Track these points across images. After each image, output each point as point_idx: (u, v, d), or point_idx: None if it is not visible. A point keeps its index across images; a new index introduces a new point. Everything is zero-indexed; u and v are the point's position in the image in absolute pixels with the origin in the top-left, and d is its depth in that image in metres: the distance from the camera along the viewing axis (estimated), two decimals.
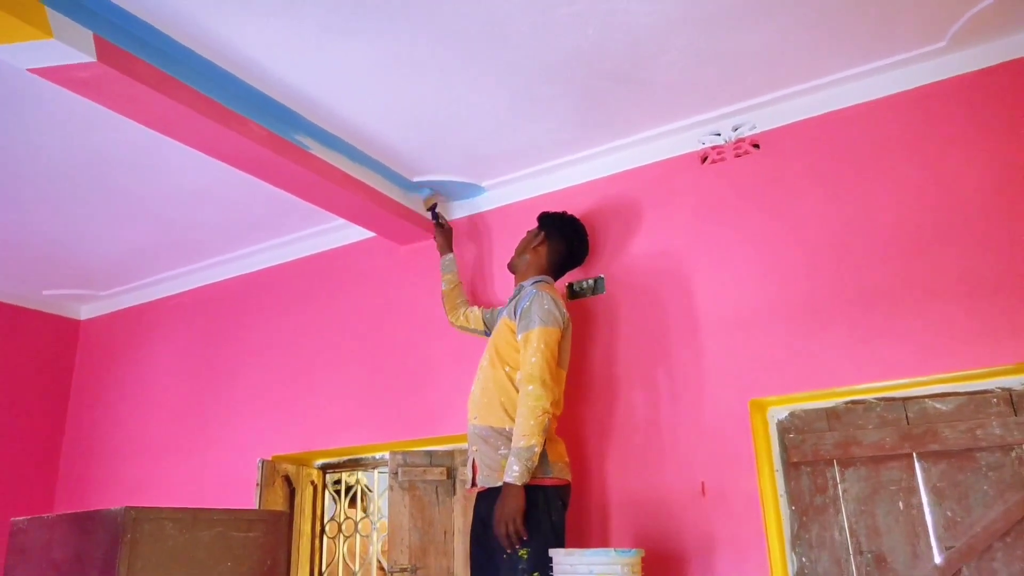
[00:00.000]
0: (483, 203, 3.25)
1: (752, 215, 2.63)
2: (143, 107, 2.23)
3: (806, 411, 2.46)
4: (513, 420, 2.32)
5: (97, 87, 2.12)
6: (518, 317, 2.43)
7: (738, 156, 2.72)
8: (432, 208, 3.20)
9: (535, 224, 2.76)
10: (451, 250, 3.08)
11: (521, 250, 2.71)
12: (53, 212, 3.29)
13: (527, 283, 2.59)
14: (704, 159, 2.78)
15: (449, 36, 2.24)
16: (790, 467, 2.44)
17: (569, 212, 2.76)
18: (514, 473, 2.18)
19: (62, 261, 3.84)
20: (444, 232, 3.12)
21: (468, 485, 2.46)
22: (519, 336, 2.40)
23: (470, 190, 3.20)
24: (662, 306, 2.70)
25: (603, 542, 2.56)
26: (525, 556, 2.14)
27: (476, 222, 3.27)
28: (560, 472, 2.31)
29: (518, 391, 2.34)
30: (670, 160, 2.83)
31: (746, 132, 2.71)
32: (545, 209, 2.79)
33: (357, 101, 2.56)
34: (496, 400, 2.39)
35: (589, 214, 2.93)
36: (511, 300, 2.60)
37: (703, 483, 2.45)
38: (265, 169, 2.68)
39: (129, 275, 4.08)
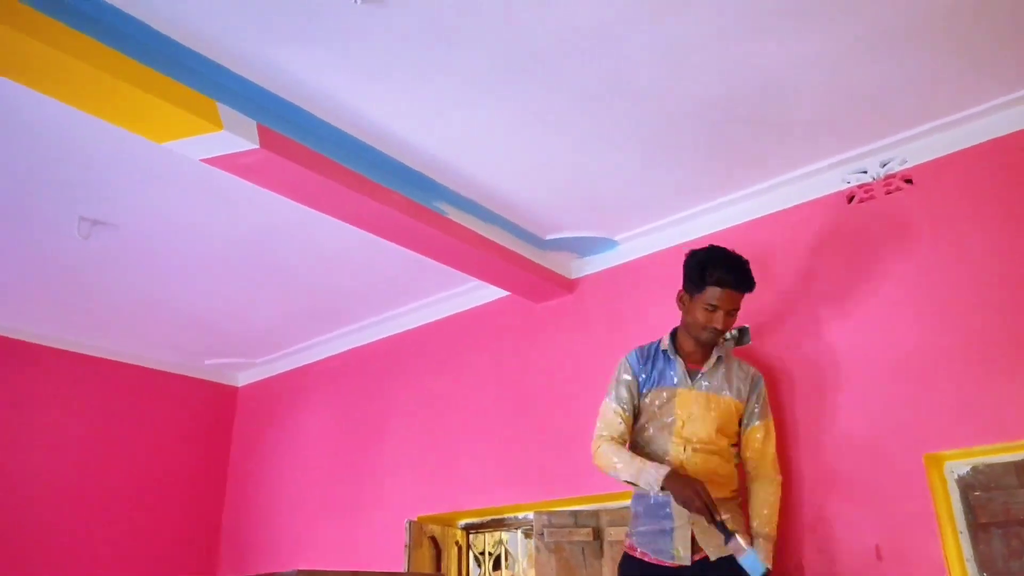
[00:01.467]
0: (617, 257, 3.22)
1: (911, 254, 2.46)
2: (298, 186, 2.39)
3: (990, 465, 2.23)
4: (729, 490, 2.31)
5: (259, 171, 2.30)
6: (756, 401, 2.38)
7: (888, 193, 2.57)
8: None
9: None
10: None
11: (734, 313, 2.32)
12: (214, 286, 3.56)
13: (729, 349, 2.51)
14: (851, 198, 2.64)
15: (577, 94, 2.27)
16: (978, 528, 2.20)
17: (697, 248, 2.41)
18: (771, 558, 2.22)
19: (222, 331, 4.13)
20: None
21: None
22: (758, 422, 2.37)
23: (603, 244, 3.20)
24: (817, 355, 2.55)
25: None
26: None
27: (610, 276, 3.24)
28: None
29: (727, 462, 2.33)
30: (814, 202, 2.72)
31: (896, 167, 2.56)
32: (682, 259, 2.68)
33: (490, 164, 2.64)
34: (716, 475, 2.28)
35: None
36: (713, 364, 2.34)
37: (878, 546, 2.26)
38: (405, 235, 2.79)
39: (281, 342, 4.33)
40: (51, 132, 2.38)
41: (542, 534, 2.94)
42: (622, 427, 2.34)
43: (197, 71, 2.08)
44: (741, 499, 2.34)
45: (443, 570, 3.28)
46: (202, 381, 4.70)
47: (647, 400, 2.36)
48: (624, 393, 2.38)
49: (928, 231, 2.45)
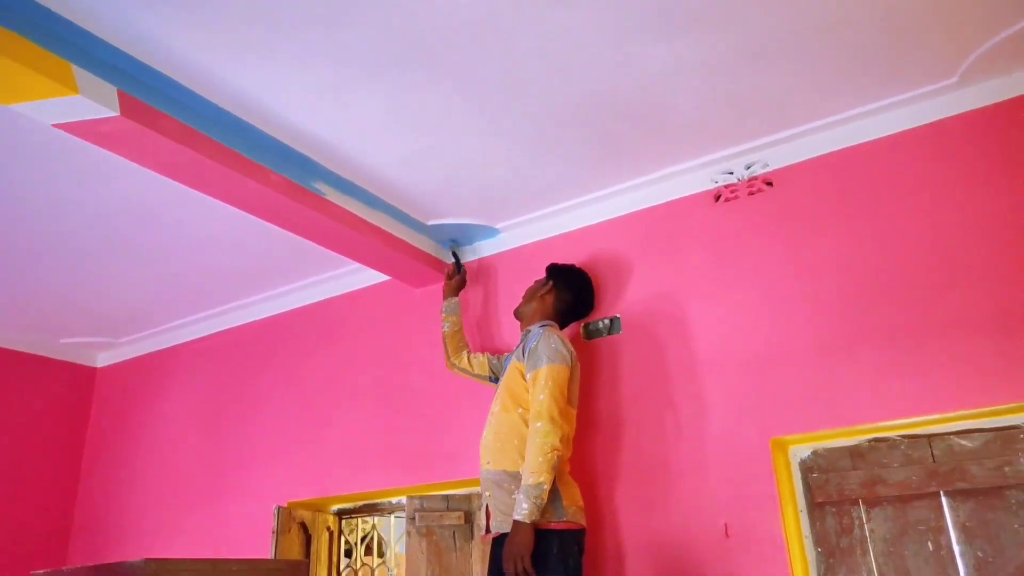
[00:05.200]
0: (497, 245, 3.26)
1: (768, 252, 2.63)
2: (164, 159, 2.27)
3: (829, 450, 2.43)
4: (512, 461, 2.34)
5: (120, 140, 2.17)
6: (526, 357, 2.46)
7: (751, 194, 2.73)
8: (454, 252, 3.25)
9: (545, 270, 2.83)
10: (457, 295, 3.11)
11: (528, 298, 2.77)
12: (73, 262, 3.33)
13: (534, 327, 2.65)
14: (717, 197, 2.79)
15: (464, 84, 2.27)
16: (815, 507, 2.40)
17: (577, 264, 2.84)
18: (523, 511, 2.17)
19: (80, 310, 3.88)
20: (460, 279, 3.15)
21: (483, 531, 2.44)
22: (528, 375, 2.43)
23: (484, 232, 3.22)
24: (680, 345, 2.69)
25: None
26: None
27: (489, 264, 3.28)
28: (574, 516, 2.30)
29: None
30: (684, 199, 2.85)
31: (759, 170, 2.72)
32: (561, 249, 2.80)
33: (374, 148, 2.60)
34: (510, 443, 2.40)
35: (604, 254, 2.94)
36: (519, 345, 2.63)
37: (726, 524, 2.41)
38: (282, 216, 2.71)
39: (146, 322, 4.10)
40: None
41: (413, 518, 2.95)
42: None
43: (51, 30, 1.92)
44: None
45: (312, 556, 3.23)
46: (57, 361, 4.39)
47: None
48: None
49: (784, 231, 2.63)
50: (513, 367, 2.53)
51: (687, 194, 2.84)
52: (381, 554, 3.49)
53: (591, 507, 2.60)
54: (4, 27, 1.84)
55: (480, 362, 2.93)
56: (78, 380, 4.47)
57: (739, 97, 2.42)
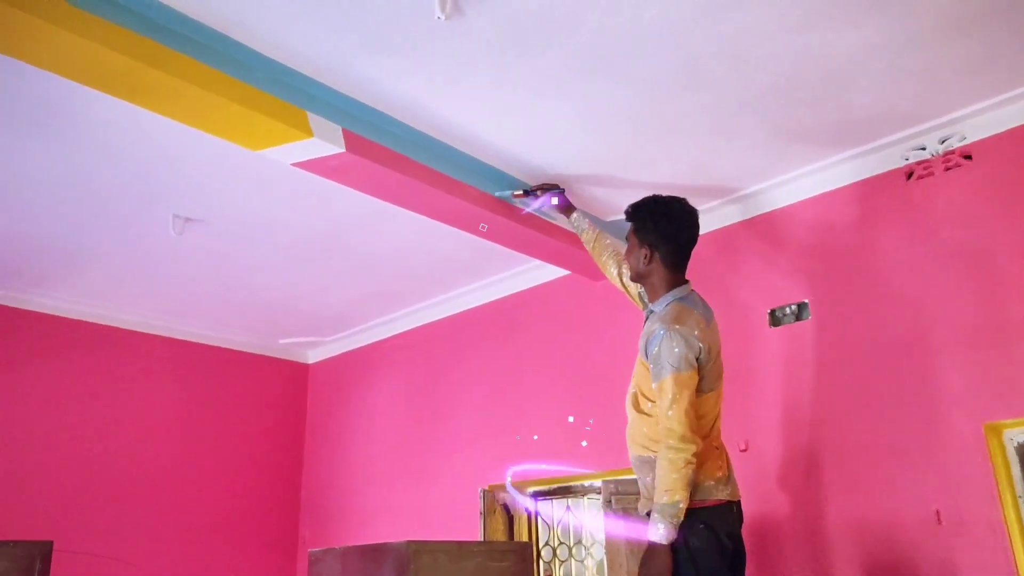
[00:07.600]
0: None
1: (970, 229, 2.53)
2: (379, 184, 2.56)
3: None
4: (650, 448, 2.20)
5: (344, 172, 2.47)
6: (649, 360, 2.21)
7: (948, 169, 2.63)
8: (526, 193, 2.88)
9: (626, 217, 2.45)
10: (573, 209, 2.88)
11: (633, 266, 2.40)
12: (291, 272, 3.78)
13: (657, 308, 2.29)
14: (910, 175, 2.71)
15: (644, 85, 2.37)
16: None
17: (650, 197, 2.40)
18: (659, 532, 2.00)
19: (295, 312, 4.37)
20: (558, 196, 2.84)
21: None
22: (654, 384, 2.18)
23: None
24: (877, 329, 2.65)
25: (825, 571, 2.53)
26: None
27: None
28: (705, 493, 2.13)
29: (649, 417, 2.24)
30: (873, 179, 2.78)
31: (955, 144, 2.61)
32: (741, 237, 2.79)
33: (556, 154, 2.77)
34: (638, 431, 2.29)
35: (789, 239, 2.94)
36: (645, 322, 2.38)
37: (938, 511, 2.37)
38: (478, 225, 2.94)
39: (350, 321, 4.55)
40: (149, 141, 2.57)
41: (610, 501, 3.10)
42: None
43: (290, 84, 2.23)
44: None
45: (515, 536, 3.48)
46: (276, 359, 4.96)
47: None
48: None
49: (988, 206, 2.51)
50: (639, 363, 2.31)
51: (876, 173, 2.78)
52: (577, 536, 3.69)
53: (794, 491, 2.63)
54: (251, 85, 2.16)
55: (633, 287, 2.57)
56: (294, 376, 5.03)
57: (928, 73, 2.35)
